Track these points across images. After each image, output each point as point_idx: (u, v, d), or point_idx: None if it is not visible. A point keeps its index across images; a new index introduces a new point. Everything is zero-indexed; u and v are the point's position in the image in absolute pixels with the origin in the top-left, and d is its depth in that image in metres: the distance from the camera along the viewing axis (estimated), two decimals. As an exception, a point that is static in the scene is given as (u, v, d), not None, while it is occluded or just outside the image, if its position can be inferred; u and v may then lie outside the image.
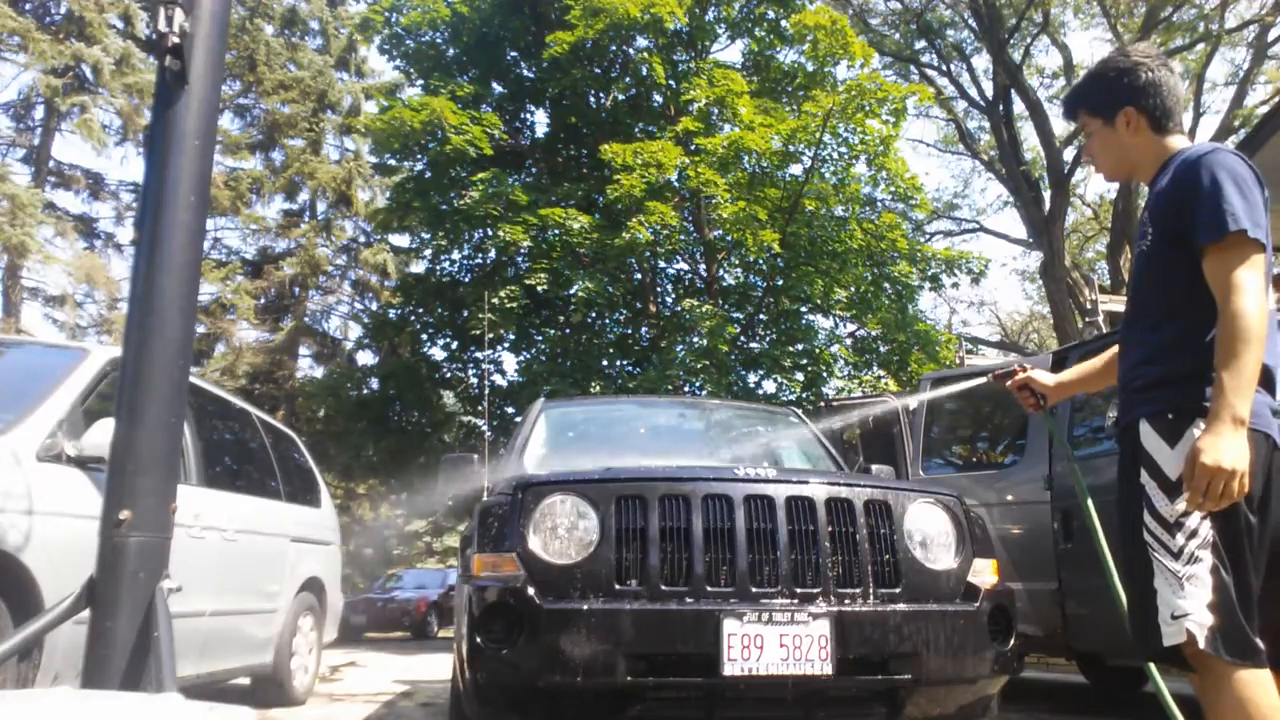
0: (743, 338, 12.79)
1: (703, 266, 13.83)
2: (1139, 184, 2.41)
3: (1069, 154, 18.97)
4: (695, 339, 11.77)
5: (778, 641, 2.62)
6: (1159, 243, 1.97)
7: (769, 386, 12.46)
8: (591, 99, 14.11)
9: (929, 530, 2.96)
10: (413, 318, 15.20)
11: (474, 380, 14.23)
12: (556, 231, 12.05)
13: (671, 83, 13.08)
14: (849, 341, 13.62)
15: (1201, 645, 1.74)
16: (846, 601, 2.75)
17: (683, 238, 12.76)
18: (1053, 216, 17.65)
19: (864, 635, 2.72)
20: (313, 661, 5.67)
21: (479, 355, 14.11)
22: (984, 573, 2.98)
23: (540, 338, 13.76)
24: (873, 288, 12.74)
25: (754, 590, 2.70)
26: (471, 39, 14.15)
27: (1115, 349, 2.22)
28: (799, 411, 5.36)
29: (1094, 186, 23.35)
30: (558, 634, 2.60)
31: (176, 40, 2.48)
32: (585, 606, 2.65)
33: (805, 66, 13.37)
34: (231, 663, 4.64)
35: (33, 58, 16.41)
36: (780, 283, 12.77)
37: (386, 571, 23.77)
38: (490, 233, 12.72)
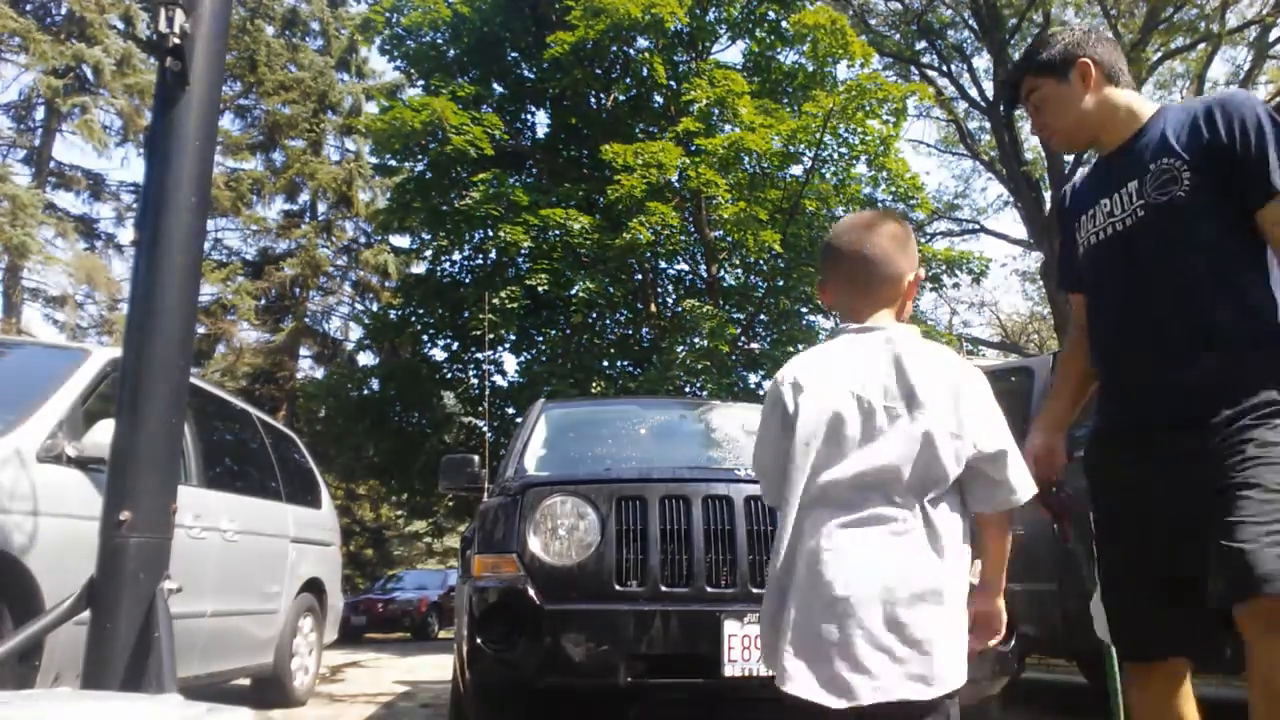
0: (743, 338, 12.79)
1: (703, 267, 13.83)
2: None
3: (1069, 154, 18.96)
4: (696, 339, 11.77)
5: (778, 642, 2.62)
6: (1206, 195, 1.72)
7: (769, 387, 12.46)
8: (592, 99, 14.11)
9: (930, 531, 2.95)
10: (413, 318, 15.21)
11: (474, 381, 14.22)
12: (557, 232, 12.05)
13: (672, 83, 13.09)
14: (849, 342, 13.61)
15: None
16: (847, 602, 2.74)
17: (683, 238, 12.76)
18: (1053, 217, 17.64)
19: (864, 636, 2.71)
20: (313, 662, 5.67)
21: (479, 356, 14.11)
22: (985, 573, 2.97)
23: (541, 338, 13.75)
24: (873, 288, 12.72)
25: (754, 591, 2.70)
26: (472, 39, 14.16)
27: (1073, 362, 2.03)
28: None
29: (1095, 187, 23.29)
30: (558, 635, 2.60)
31: (177, 41, 2.48)
32: (585, 607, 2.65)
33: (805, 67, 13.37)
34: (232, 663, 4.64)
35: (33, 58, 16.43)
36: (781, 283, 12.77)
37: (387, 572, 23.77)
38: (491, 233, 12.72)
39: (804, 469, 1.47)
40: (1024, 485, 1.49)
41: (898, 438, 1.45)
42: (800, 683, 1.39)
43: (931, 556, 1.43)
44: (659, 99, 13.74)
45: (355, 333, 21.87)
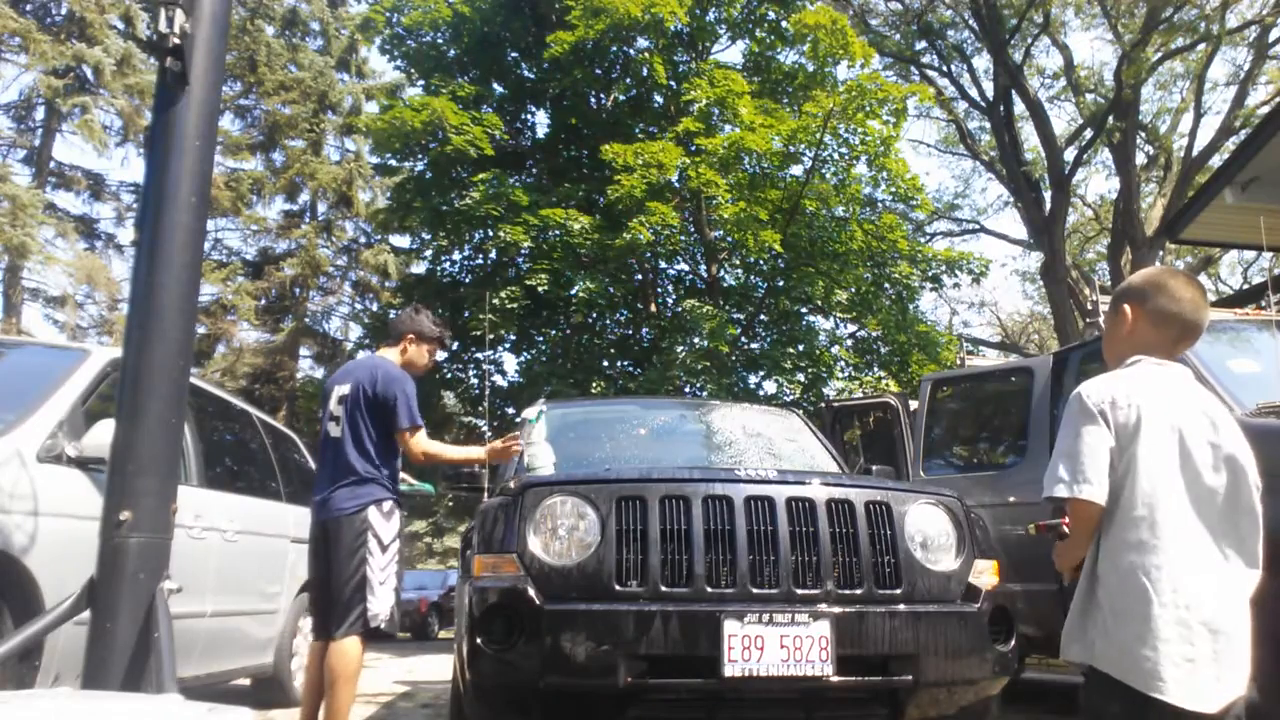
0: (743, 338, 12.78)
1: (703, 267, 13.83)
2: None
3: (1069, 154, 18.96)
4: (696, 340, 11.76)
5: (778, 642, 2.62)
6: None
7: (769, 387, 12.46)
8: (592, 99, 14.10)
9: (930, 531, 2.96)
10: (413, 318, 15.18)
11: (474, 381, 14.22)
12: (557, 232, 12.04)
13: (672, 83, 13.08)
14: (850, 342, 13.61)
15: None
16: (847, 603, 2.74)
17: (683, 238, 12.75)
18: (1053, 217, 17.64)
19: (864, 636, 2.72)
20: (313, 662, 5.66)
21: (479, 356, 14.10)
22: (985, 574, 2.98)
23: (541, 338, 13.74)
24: (873, 288, 12.73)
25: (754, 591, 2.70)
26: (472, 39, 14.15)
27: None
28: (800, 412, 5.36)
29: (1094, 187, 23.36)
30: (558, 635, 2.60)
31: (177, 41, 2.48)
32: (585, 607, 2.65)
33: (806, 67, 13.37)
34: (232, 663, 4.64)
35: (34, 58, 16.42)
36: (781, 283, 12.76)
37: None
38: (491, 233, 12.71)
39: (1181, 489, 1.66)
40: None
41: (1216, 463, 1.69)
42: (1175, 690, 1.58)
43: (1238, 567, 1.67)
44: (659, 99, 13.73)
45: (355, 333, 21.89)
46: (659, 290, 14.29)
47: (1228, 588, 1.64)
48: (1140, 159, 19.13)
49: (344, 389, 3.58)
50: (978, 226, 23.43)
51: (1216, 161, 15.82)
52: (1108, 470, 1.67)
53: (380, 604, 3.36)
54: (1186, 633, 1.59)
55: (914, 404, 6.25)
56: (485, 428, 12.50)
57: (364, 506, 3.40)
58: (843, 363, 12.72)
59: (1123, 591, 1.65)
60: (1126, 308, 1.86)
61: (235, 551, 4.42)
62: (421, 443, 3.55)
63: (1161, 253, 19.20)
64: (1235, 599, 1.65)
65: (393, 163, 15.20)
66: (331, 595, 3.39)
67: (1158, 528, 1.64)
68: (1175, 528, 1.64)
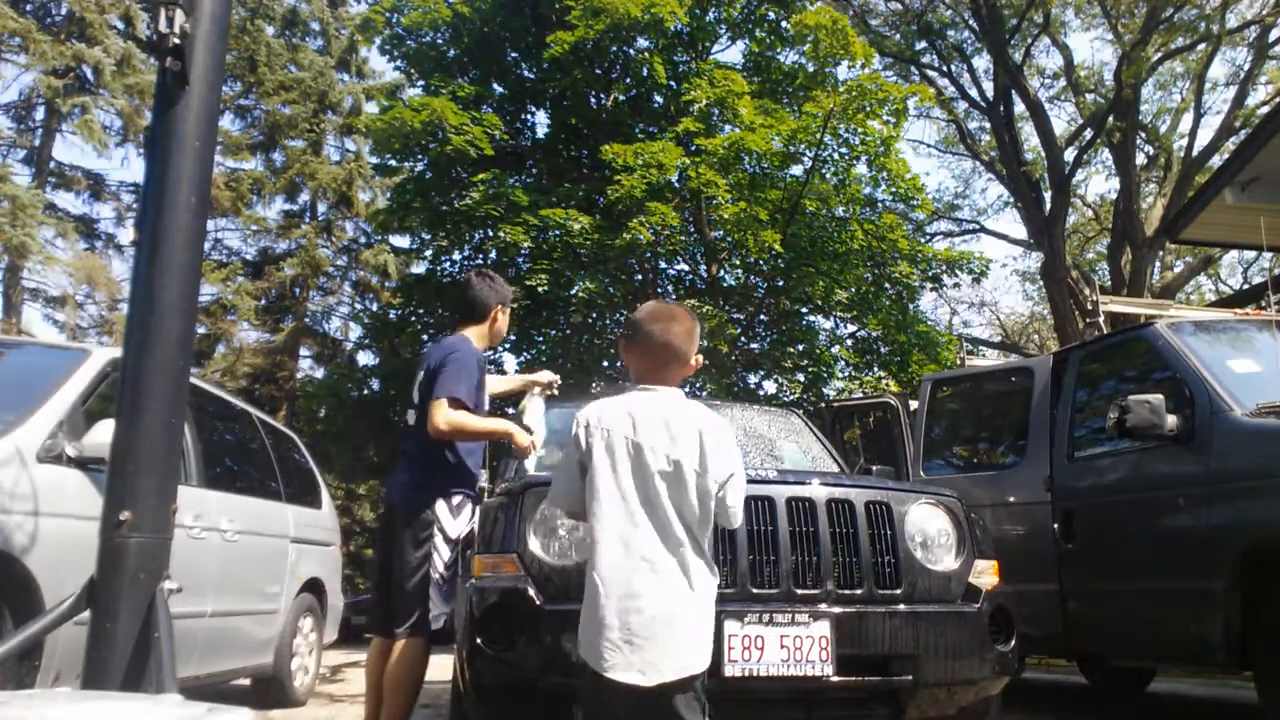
0: (743, 338, 12.78)
1: (703, 267, 13.83)
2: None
3: (1069, 155, 18.96)
4: (696, 340, 11.74)
5: (778, 642, 2.62)
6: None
7: (769, 387, 12.46)
8: (592, 99, 14.10)
9: (930, 531, 2.96)
10: (413, 318, 15.20)
11: (474, 381, 14.22)
12: (557, 232, 12.04)
13: (672, 83, 13.08)
14: (850, 342, 13.62)
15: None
16: (847, 603, 2.74)
17: (683, 238, 12.75)
18: (1053, 217, 17.64)
19: (864, 636, 2.72)
20: (313, 662, 5.67)
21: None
22: (985, 574, 2.98)
23: (541, 338, 13.74)
24: (873, 288, 12.73)
25: (754, 591, 2.70)
26: (472, 39, 14.15)
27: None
28: (800, 412, 5.36)
29: (1094, 187, 23.35)
30: (558, 634, 2.60)
31: (177, 41, 2.48)
32: (585, 607, 2.65)
33: (806, 67, 13.37)
34: (232, 663, 4.64)
35: (34, 58, 16.43)
36: (781, 283, 12.76)
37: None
38: (491, 233, 12.70)
39: (624, 499, 1.90)
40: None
41: (668, 472, 1.93)
42: (619, 668, 1.81)
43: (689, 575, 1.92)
44: (659, 99, 13.73)
45: (355, 333, 21.88)
46: (659, 290, 14.27)
47: (671, 579, 1.87)
48: (1140, 159, 19.12)
49: (420, 375, 3.38)
50: (978, 227, 23.42)
51: (1216, 161, 15.81)
52: (579, 485, 1.95)
53: (444, 605, 3.15)
54: (627, 619, 1.82)
55: (914, 404, 6.25)
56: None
57: (431, 500, 3.19)
58: (843, 363, 12.72)
59: (591, 590, 1.89)
60: (622, 343, 2.13)
61: (235, 551, 4.43)
62: (444, 413, 3.12)
63: (1161, 252, 19.20)
64: (678, 588, 1.87)
65: (393, 163, 15.18)
66: (392, 591, 3.19)
67: (608, 534, 1.89)
68: (621, 533, 1.88)
